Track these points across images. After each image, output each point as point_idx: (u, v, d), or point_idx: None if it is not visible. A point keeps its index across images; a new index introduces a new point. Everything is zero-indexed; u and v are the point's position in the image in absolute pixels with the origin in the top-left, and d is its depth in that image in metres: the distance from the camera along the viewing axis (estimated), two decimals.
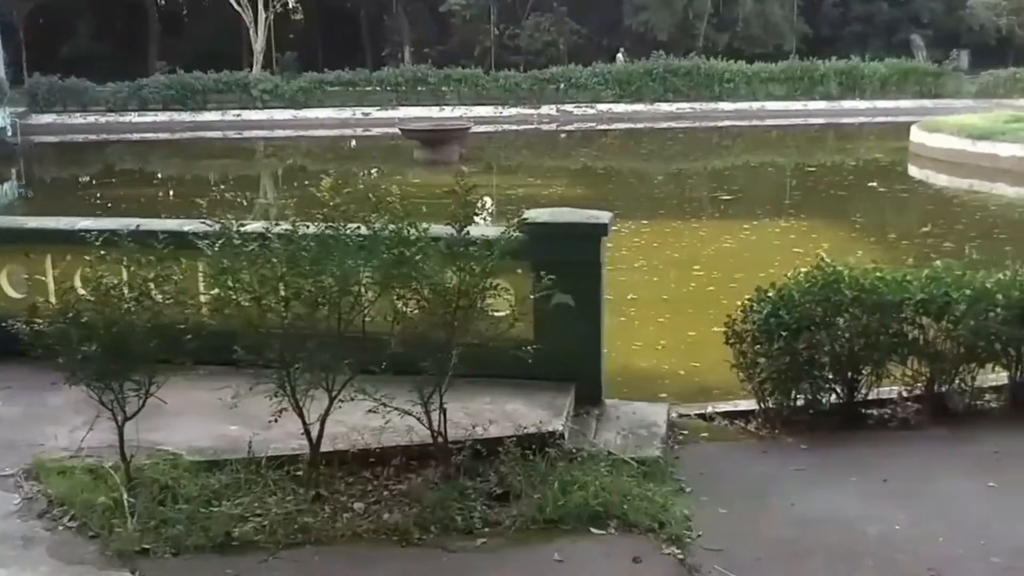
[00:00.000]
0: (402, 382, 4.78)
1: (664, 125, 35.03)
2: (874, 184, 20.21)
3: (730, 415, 6.26)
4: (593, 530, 4.63)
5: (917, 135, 23.96)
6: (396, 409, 4.83)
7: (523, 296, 5.93)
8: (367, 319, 4.84)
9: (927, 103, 35.74)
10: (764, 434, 6.00)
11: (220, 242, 4.55)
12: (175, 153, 31.28)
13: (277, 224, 4.83)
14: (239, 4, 38.05)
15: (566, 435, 5.33)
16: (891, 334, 6.06)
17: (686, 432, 5.98)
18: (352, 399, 4.81)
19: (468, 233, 4.73)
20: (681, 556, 4.43)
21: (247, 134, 33.89)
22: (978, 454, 5.61)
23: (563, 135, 33.85)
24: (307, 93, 35.23)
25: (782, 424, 6.05)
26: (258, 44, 38.45)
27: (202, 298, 5.21)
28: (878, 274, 6.21)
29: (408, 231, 4.62)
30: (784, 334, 5.84)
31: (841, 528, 4.71)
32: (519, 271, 5.90)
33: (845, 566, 4.38)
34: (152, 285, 4.63)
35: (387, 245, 4.59)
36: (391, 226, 4.63)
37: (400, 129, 24.30)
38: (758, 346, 5.96)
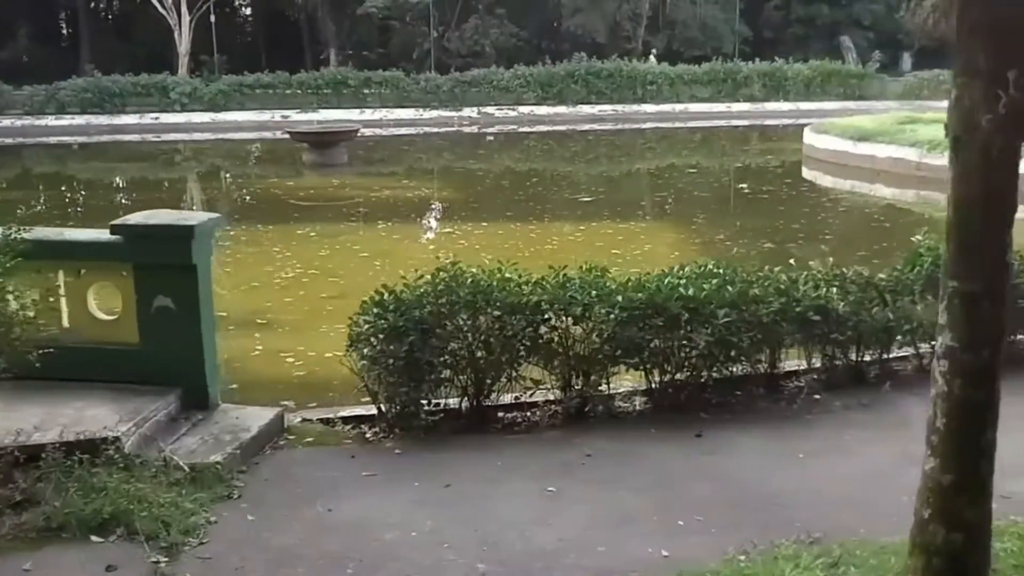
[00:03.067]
0: None
1: (586, 127, 34.89)
2: (743, 186, 20.21)
3: (358, 419, 6.15)
4: (94, 538, 4.53)
5: (808, 137, 23.93)
6: None
7: (128, 299, 5.87)
8: None
9: (850, 104, 35.70)
10: (375, 439, 5.91)
11: None
12: (90, 157, 30.97)
13: None
14: (163, 7, 37.80)
15: (126, 441, 5.21)
16: (514, 337, 5.97)
17: (293, 437, 5.88)
18: None
19: None
20: (162, 564, 4.33)
21: (165, 137, 33.54)
22: (566, 457, 5.55)
23: (490, 138, 33.66)
24: (227, 96, 34.91)
25: (402, 428, 5.95)
26: (183, 47, 38.16)
27: None
28: (507, 275, 6.14)
29: None
30: (381, 337, 5.75)
31: (357, 535, 4.63)
32: (123, 274, 5.83)
33: (325, 574, 4.29)
34: None
35: None
36: None
37: (288, 132, 24.14)
38: (367, 350, 5.86)
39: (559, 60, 39.46)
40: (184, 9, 37.90)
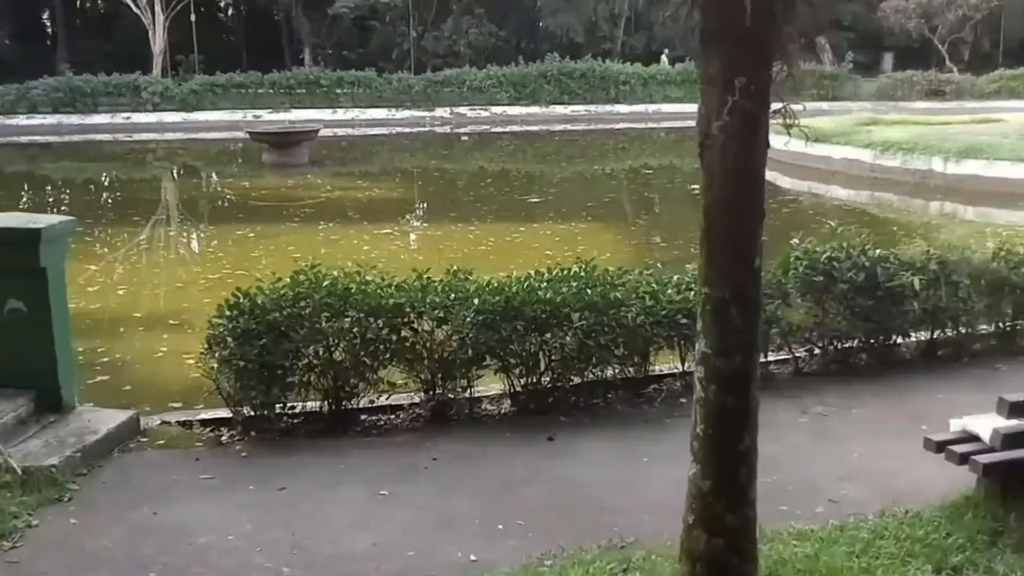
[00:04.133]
0: None
1: (559, 128, 34.91)
2: (695, 187, 20.17)
3: (217, 422, 6.14)
4: None
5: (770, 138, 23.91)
6: None
7: None
8: None
9: (823, 105, 35.70)
10: (229, 441, 5.91)
11: None
12: (58, 156, 30.86)
13: None
14: (138, 6, 37.73)
15: None
16: (375, 340, 5.97)
17: (147, 440, 5.87)
18: None
19: None
20: None
21: (136, 137, 33.48)
22: (412, 460, 5.55)
23: (464, 138, 33.66)
24: (199, 96, 34.87)
25: (257, 431, 5.95)
26: (157, 46, 38.06)
27: None
28: (367, 278, 6.14)
29: None
30: (234, 340, 5.75)
31: (173, 539, 4.63)
32: None
33: None
34: None
35: None
36: None
37: (247, 132, 24.08)
38: (220, 352, 5.86)
39: (538, 60, 39.44)
40: (158, 9, 37.81)
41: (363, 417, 6.25)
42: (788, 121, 3.41)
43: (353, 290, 5.97)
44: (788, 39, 3.32)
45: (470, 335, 5.92)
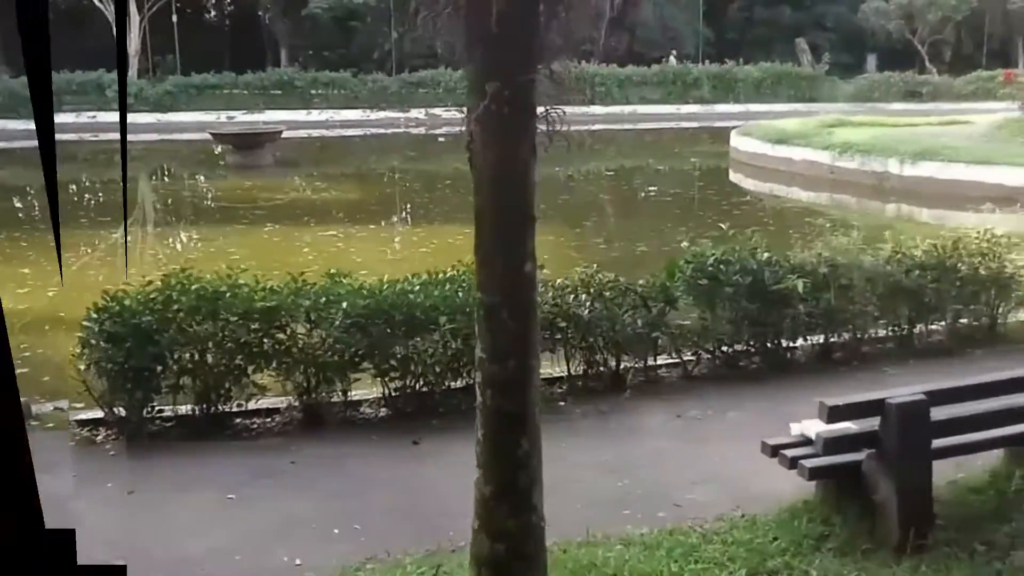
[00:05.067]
0: None
1: None
2: (652, 189, 20.23)
3: (96, 422, 6.14)
4: None
5: (734, 139, 23.95)
6: None
7: None
8: None
9: (800, 107, 35.71)
10: (104, 441, 5.91)
11: None
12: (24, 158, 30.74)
13: None
14: (107, 8, 37.72)
15: None
16: (246, 343, 5.97)
17: None
18: None
19: None
20: None
21: (103, 136, 33.37)
22: (271, 464, 5.57)
23: (441, 139, 33.63)
24: (173, 97, 34.82)
25: (129, 433, 5.95)
26: (132, 47, 38.08)
27: None
28: (239, 282, 6.14)
29: None
30: (100, 343, 5.75)
31: None
32: None
33: None
34: None
35: None
36: None
37: (211, 133, 24.06)
38: (89, 354, 5.86)
39: None
40: (132, 9, 37.77)
41: (237, 421, 6.25)
42: (551, 128, 3.41)
43: (226, 293, 5.96)
44: (554, 44, 3.33)
45: (340, 338, 5.92)
